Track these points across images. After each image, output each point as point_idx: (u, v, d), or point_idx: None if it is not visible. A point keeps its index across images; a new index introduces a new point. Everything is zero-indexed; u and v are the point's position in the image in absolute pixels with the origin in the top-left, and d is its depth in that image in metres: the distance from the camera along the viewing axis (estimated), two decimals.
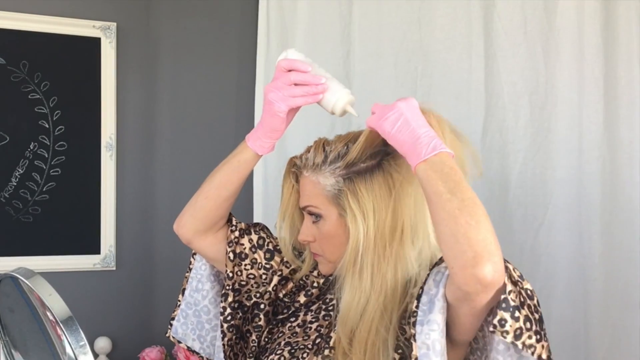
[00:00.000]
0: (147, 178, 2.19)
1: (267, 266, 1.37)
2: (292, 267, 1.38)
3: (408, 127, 1.09)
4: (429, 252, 1.21)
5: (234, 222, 1.38)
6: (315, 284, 1.35)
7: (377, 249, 1.16)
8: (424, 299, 1.06)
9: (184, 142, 2.21)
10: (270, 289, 1.37)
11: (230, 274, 1.35)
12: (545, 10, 2.32)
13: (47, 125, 2.06)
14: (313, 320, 1.29)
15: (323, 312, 1.29)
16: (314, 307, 1.33)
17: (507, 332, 0.97)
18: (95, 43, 2.10)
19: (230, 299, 1.35)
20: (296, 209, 1.31)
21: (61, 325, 0.87)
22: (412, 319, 1.06)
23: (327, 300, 1.30)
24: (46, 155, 2.06)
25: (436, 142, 1.06)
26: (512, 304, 0.98)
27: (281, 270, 1.38)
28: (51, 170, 2.07)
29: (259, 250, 1.38)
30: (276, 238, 1.39)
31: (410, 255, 1.18)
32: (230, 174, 1.29)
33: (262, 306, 1.36)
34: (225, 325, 1.34)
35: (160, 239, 2.17)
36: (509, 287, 0.99)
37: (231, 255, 1.35)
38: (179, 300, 1.44)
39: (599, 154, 2.31)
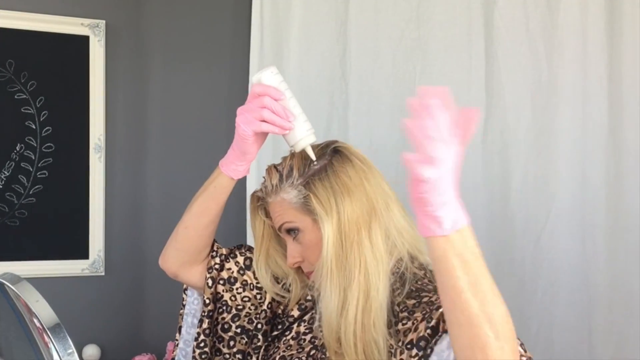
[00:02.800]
0: (137, 180, 2.20)
1: (259, 285, 1.40)
2: (287, 297, 1.40)
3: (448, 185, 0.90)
4: (403, 247, 1.23)
5: (214, 248, 1.42)
6: (309, 297, 1.37)
7: (346, 244, 1.19)
8: (433, 358, 1.02)
9: (175, 144, 2.23)
10: (265, 307, 1.39)
11: (207, 301, 1.38)
12: (547, 7, 2.33)
13: (33, 127, 2.07)
14: (307, 331, 1.32)
15: (317, 323, 1.30)
16: (306, 317, 1.35)
17: None
18: (83, 41, 2.11)
19: (205, 325, 1.38)
20: (270, 243, 1.37)
21: (48, 332, 0.87)
22: None
23: (318, 309, 1.30)
24: (33, 157, 2.07)
25: (460, 214, 0.90)
26: None
27: None
28: (38, 173, 2.08)
29: (247, 272, 1.41)
30: None
31: (380, 243, 1.20)
32: (207, 201, 1.33)
33: (259, 326, 1.39)
34: (198, 352, 1.37)
35: (151, 244, 2.17)
36: None
37: (209, 281, 1.39)
38: (177, 340, 1.46)
39: (603, 156, 2.32)
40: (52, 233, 2.10)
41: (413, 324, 1.09)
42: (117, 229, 2.17)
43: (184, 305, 1.48)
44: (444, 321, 1.01)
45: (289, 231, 1.28)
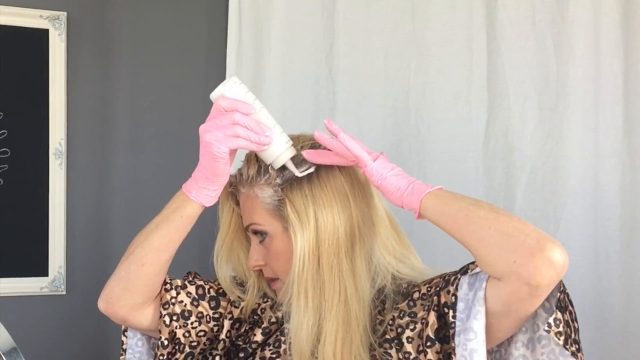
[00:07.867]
0: (102, 190, 2.21)
1: (216, 315, 1.39)
2: (242, 305, 1.40)
3: (401, 172, 1.23)
4: (387, 272, 1.27)
5: (167, 280, 1.38)
6: (272, 319, 1.37)
7: (324, 264, 1.20)
8: (460, 306, 1.12)
9: (144, 149, 2.24)
10: (223, 336, 1.38)
11: (166, 342, 1.34)
12: None
13: None
14: (273, 356, 1.32)
15: (283, 346, 1.32)
16: (270, 340, 1.35)
17: (561, 334, 1.06)
18: (42, 35, 2.12)
19: None
20: (236, 235, 1.36)
21: (3, 357, 0.89)
22: (452, 331, 1.12)
23: (286, 331, 1.31)
24: None
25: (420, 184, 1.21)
26: (562, 305, 1.07)
27: (231, 312, 1.40)
28: None
29: (202, 302, 1.39)
30: (215, 280, 1.42)
31: (362, 268, 1.23)
32: (172, 234, 1.28)
33: (217, 359, 1.38)
34: None
35: (117, 261, 2.13)
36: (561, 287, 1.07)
37: (167, 319, 1.34)
38: None
39: (617, 161, 2.34)
40: (7, 248, 2.11)
41: (422, 323, 1.17)
42: (80, 244, 2.18)
43: (124, 350, 1.42)
44: (448, 292, 1.15)
45: (256, 232, 1.29)
